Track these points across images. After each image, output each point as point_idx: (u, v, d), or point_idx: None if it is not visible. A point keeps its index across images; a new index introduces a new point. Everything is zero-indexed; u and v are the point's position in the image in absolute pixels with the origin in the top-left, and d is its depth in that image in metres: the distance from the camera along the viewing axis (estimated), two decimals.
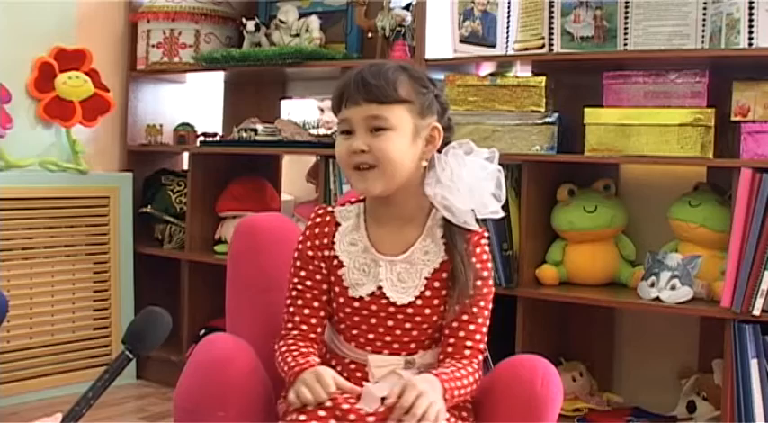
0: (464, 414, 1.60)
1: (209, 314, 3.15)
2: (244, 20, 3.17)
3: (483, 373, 1.62)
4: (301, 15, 3.16)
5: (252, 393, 1.57)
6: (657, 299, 2.33)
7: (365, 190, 1.59)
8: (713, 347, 2.39)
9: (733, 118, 2.28)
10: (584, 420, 2.49)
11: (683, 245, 2.43)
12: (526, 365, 1.59)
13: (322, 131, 3.12)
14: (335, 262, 1.63)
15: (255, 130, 3.08)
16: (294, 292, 1.65)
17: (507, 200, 2.48)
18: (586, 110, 2.45)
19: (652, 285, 2.36)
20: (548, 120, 2.49)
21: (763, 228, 2.15)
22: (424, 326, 1.60)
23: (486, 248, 1.63)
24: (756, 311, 2.16)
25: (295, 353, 1.58)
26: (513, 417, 1.54)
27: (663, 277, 2.34)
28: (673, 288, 2.32)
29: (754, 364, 2.16)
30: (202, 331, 3.06)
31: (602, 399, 2.60)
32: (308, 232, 1.66)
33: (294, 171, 3.44)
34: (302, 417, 1.47)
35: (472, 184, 1.59)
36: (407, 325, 1.59)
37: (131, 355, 1.31)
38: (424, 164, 1.60)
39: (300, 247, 1.66)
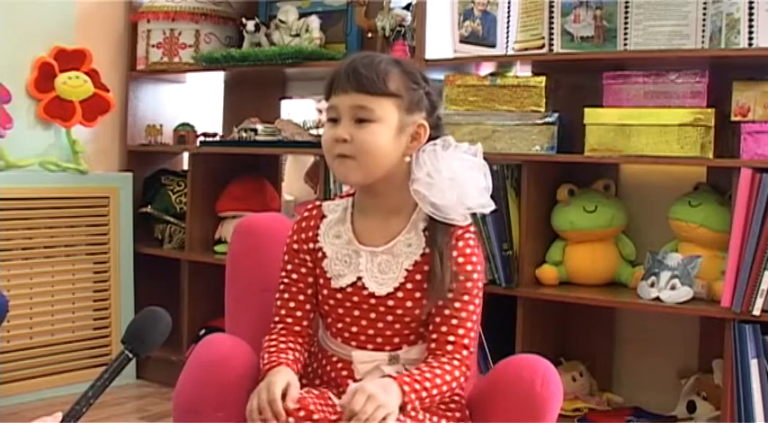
0: (452, 414, 1.60)
1: (209, 314, 3.15)
2: (244, 20, 3.16)
3: (483, 372, 1.61)
4: (301, 15, 3.15)
5: (251, 393, 1.57)
6: (657, 299, 2.33)
7: (344, 177, 1.61)
8: (713, 347, 2.39)
9: (733, 118, 2.28)
10: (584, 420, 2.49)
11: (683, 245, 2.43)
12: (526, 365, 1.59)
13: (322, 131, 3.11)
14: (320, 254, 1.64)
15: (255, 130, 3.08)
16: (281, 287, 1.67)
17: (507, 200, 2.52)
18: (586, 110, 2.44)
19: (652, 285, 2.36)
20: (548, 120, 2.49)
21: (763, 228, 2.15)
22: (407, 319, 1.59)
23: (472, 242, 1.61)
24: (756, 311, 2.16)
25: (272, 349, 1.60)
26: (513, 417, 1.55)
27: (663, 277, 2.34)
28: (673, 288, 2.32)
29: (754, 364, 2.16)
30: (202, 331, 3.06)
31: (602, 399, 2.60)
32: (295, 227, 1.69)
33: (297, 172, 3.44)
34: (255, 414, 1.48)
35: (452, 179, 1.57)
36: (389, 317, 1.59)
37: (131, 355, 1.31)
38: (408, 159, 1.60)
39: (288, 241, 1.68)
